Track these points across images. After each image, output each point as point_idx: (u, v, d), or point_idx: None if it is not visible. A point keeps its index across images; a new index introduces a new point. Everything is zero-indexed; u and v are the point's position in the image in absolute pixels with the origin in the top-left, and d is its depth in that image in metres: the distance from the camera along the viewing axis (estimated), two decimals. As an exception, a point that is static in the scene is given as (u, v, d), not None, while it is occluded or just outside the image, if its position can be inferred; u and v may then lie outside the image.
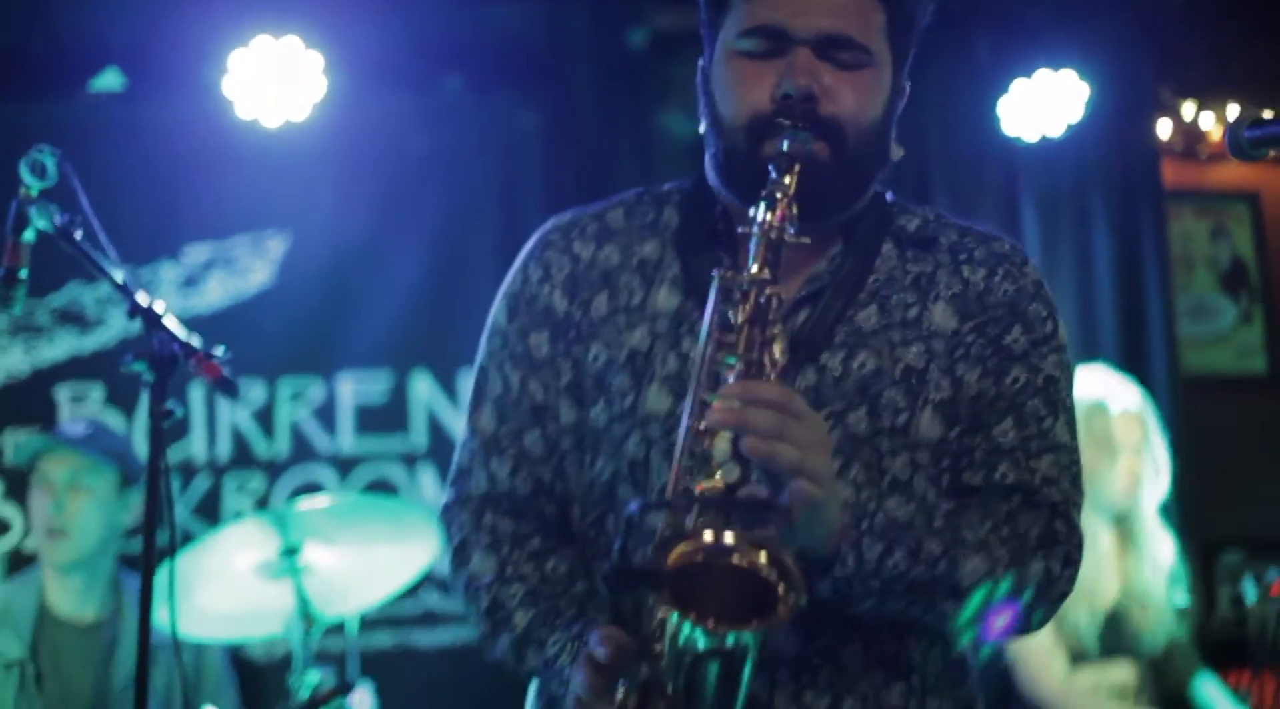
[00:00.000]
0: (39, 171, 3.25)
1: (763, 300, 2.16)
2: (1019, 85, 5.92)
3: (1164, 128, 6.77)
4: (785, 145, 2.22)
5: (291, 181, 5.64)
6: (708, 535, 2.03)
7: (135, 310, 3.10)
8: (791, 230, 2.18)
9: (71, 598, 4.67)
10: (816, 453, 2.09)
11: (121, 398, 5.49)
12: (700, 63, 2.44)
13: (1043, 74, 5.89)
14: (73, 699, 4.61)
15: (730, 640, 2.00)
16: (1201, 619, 5.32)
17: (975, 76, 6.05)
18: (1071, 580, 2.33)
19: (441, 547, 2.51)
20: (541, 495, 2.44)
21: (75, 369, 5.54)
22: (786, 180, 2.20)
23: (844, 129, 2.29)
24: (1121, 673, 4.98)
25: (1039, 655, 4.93)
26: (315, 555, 4.39)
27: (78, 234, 3.22)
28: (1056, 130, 6.01)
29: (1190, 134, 6.88)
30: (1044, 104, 5.96)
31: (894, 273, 2.40)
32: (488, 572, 2.40)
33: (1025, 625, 2.32)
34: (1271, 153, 2.36)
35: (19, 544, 5.39)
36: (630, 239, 2.47)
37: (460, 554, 2.45)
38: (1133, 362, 6.11)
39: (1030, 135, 6.03)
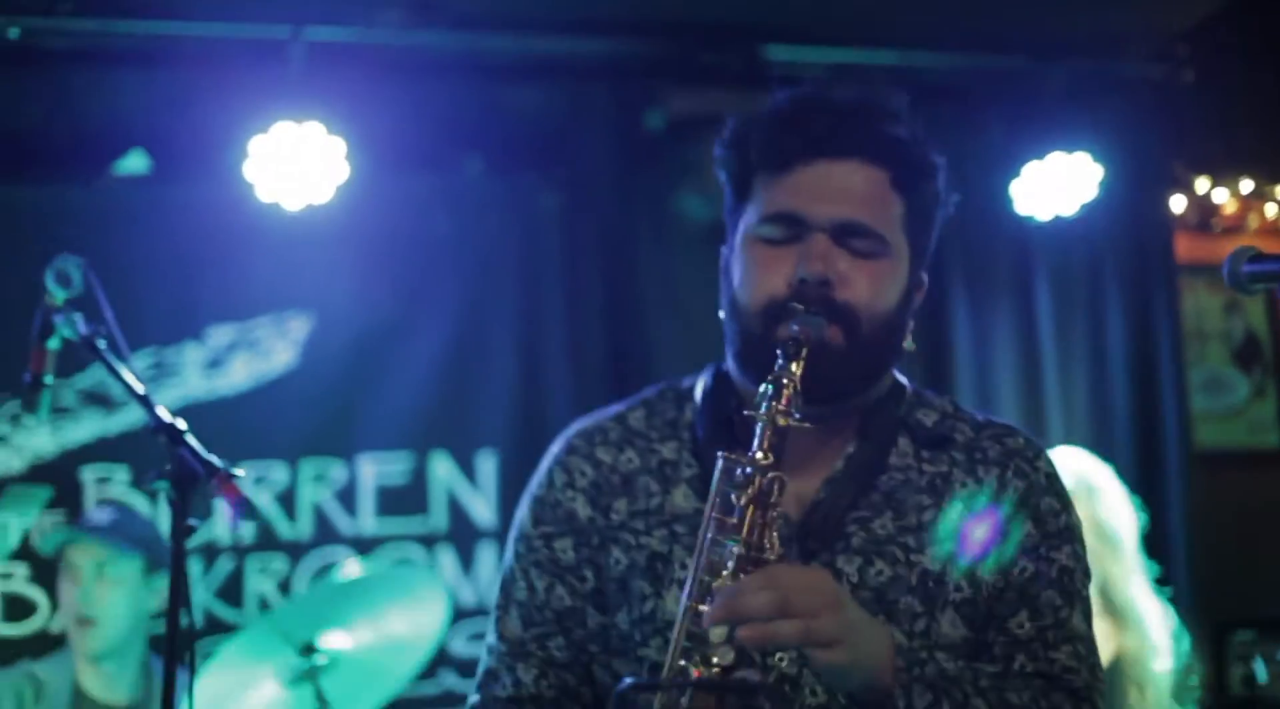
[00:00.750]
0: (64, 281, 3.34)
1: (765, 485, 2.16)
2: (1032, 167, 5.95)
3: (1177, 203, 6.82)
4: (795, 329, 2.25)
5: (314, 263, 5.70)
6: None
7: (159, 428, 3.17)
8: (796, 416, 2.19)
9: (103, 682, 4.71)
10: (824, 615, 2.08)
11: (149, 476, 5.51)
12: (723, 248, 2.48)
13: (1056, 156, 5.92)
14: None
15: None
16: (1213, 700, 5.32)
17: (989, 157, 6.07)
18: None
19: None
20: (567, 700, 2.45)
21: (101, 451, 5.60)
22: (793, 366, 2.21)
23: (858, 316, 2.32)
24: None
25: None
26: (332, 640, 4.44)
27: (101, 343, 3.29)
28: (1070, 209, 6.04)
29: (1204, 208, 6.93)
30: (1058, 184, 5.98)
31: (909, 474, 2.42)
32: None
33: None
34: (1262, 288, 2.40)
35: (45, 625, 5.44)
36: (650, 441, 2.50)
37: None
38: (1146, 437, 6.14)
39: (1044, 214, 6.05)
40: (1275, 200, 7.04)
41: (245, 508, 3.21)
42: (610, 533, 2.45)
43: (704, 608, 2.13)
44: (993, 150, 6.09)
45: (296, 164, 5.45)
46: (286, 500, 5.73)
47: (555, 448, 2.56)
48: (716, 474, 2.20)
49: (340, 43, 5.59)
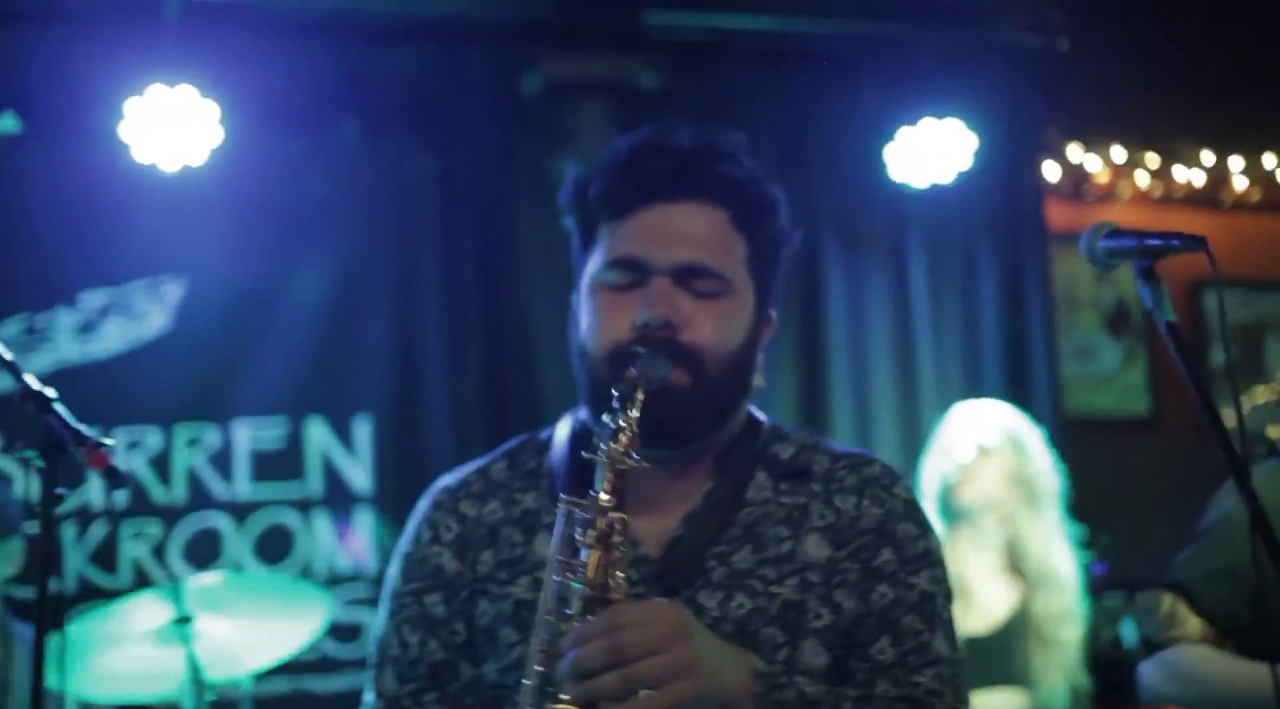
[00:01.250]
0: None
1: (607, 526, 2.18)
2: (905, 133, 5.99)
3: (1051, 171, 6.90)
4: (633, 372, 2.26)
5: (188, 227, 5.66)
6: None
7: (27, 396, 3.15)
8: (635, 457, 2.21)
9: None
10: (667, 650, 2.09)
11: (25, 437, 5.46)
12: (573, 295, 2.49)
13: (927, 123, 5.96)
14: None
15: None
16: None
17: (862, 124, 6.12)
18: None
19: None
20: None
21: (-30, 415, 5.54)
22: (630, 408, 2.23)
23: (703, 356, 2.34)
24: (1005, 700, 5.05)
25: None
26: (208, 625, 4.45)
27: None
28: (945, 177, 6.08)
29: (1076, 176, 7.03)
30: (931, 151, 6.02)
31: (768, 507, 2.44)
32: None
33: None
34: (1120, 262, 2.44)
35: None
36: (512, 491, 2.51)
37: None
38: (1018, 403, 6.16)
39: (919, 181, 6.09)
40: (1146, 168, 7.15)
41: (115, 477, 3.20)
42: (478, 585, 2.46)
43: (552, 650, 2.16)
44: (867, 116, 6.13)
45: (171, 127, 5.39)
46: (160, 465, 5.68)
47: (421, 505, 2.57)
48: (559, 519, 2.23)
49: (216, 2, 5.55)
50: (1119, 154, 7.08)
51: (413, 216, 5.91)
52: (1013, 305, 6.38)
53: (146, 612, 4.46)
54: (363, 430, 5.79)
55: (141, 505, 5.66)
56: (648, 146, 2.41)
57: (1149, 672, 3.69)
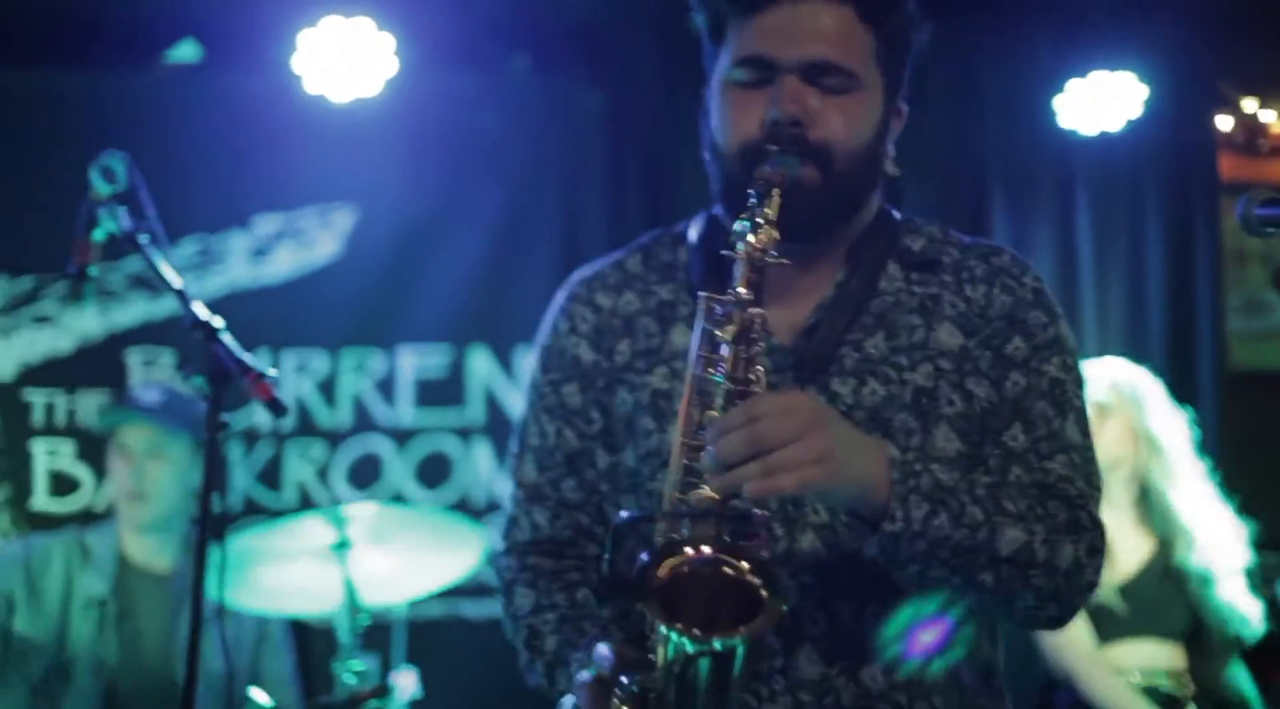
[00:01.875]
0: (109, 176, 3.44)
1: (746, 320, 2.21)
2: (1075, 84, 5.95)
3: (1224, 122, 6.80)
4: (767, 170, 2.28)
5: (360, 156, 5.76)
6: (695, 546, 2.11)
7: (195, 324, 3.26)
8: (774, 253, 2.24)
9: (148, 551, 4.92)
10: (805, 438, 2.12)
11: (193, 363, 5.60)
12: (704, 90, 2.51)
13: (1098, 75, 5.92)
14: (145, 641, 4.86)
15: (718, 645, 2.07)
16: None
17: (1034, 73, 6.09)
18: (1098, 571, 2.38)
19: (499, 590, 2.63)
20: (582, 538, 2.55)
21: (147, 334, 5.71)
22: (766, 205, 2.25)
23: (831, 153, 2.37)
24: (1162, 654, 5.05)
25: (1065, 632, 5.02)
26: (366, 553, 4.56)
27: (143, 238, 3.38)
28: (1115, 125, 6.04)
29: (1251, 128, 6.90)
30: (1102, 101, 5.98)
31: (900, 296, 2.48)
32: (526, 605, 2.53)
33: (1062, 612, 2.39)
34: (1275, 231, 2.42)
35: (90, 503, 5.56)
36: (648, 283, 2.56)
37: (507, 594, 2.57)
38: (1181, 356, 6.15)
39: (1088, 129, 6.05)
40: (1323, 122, 7.03)
41: (276, 407, 3.30)
42: (614, 374, 2.53)
43: (694, 443, 2.19)
44: (1038, 66, 6.10)
45: (345, 58, 5.50)
46: (326, 389, 5.81)
47: (559, 296, 2.63)
48: (699, 314, 2.27)
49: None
50: (1295, 108, 6.97)
51: (579, 151, 5.96)
52: (1180, 257, 6.29)
53: (308, 532, 4.59)
54: (525, 360, 5.84)
55: (307, 427, 5.79)
56: None
57: None
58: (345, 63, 5.52)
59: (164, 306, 5.58)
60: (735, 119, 2.39)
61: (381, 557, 4.60)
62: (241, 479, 5.69)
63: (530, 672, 2.51)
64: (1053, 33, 6.12)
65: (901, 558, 2.25)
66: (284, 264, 5.80)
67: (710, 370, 2.22)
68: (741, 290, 2.22)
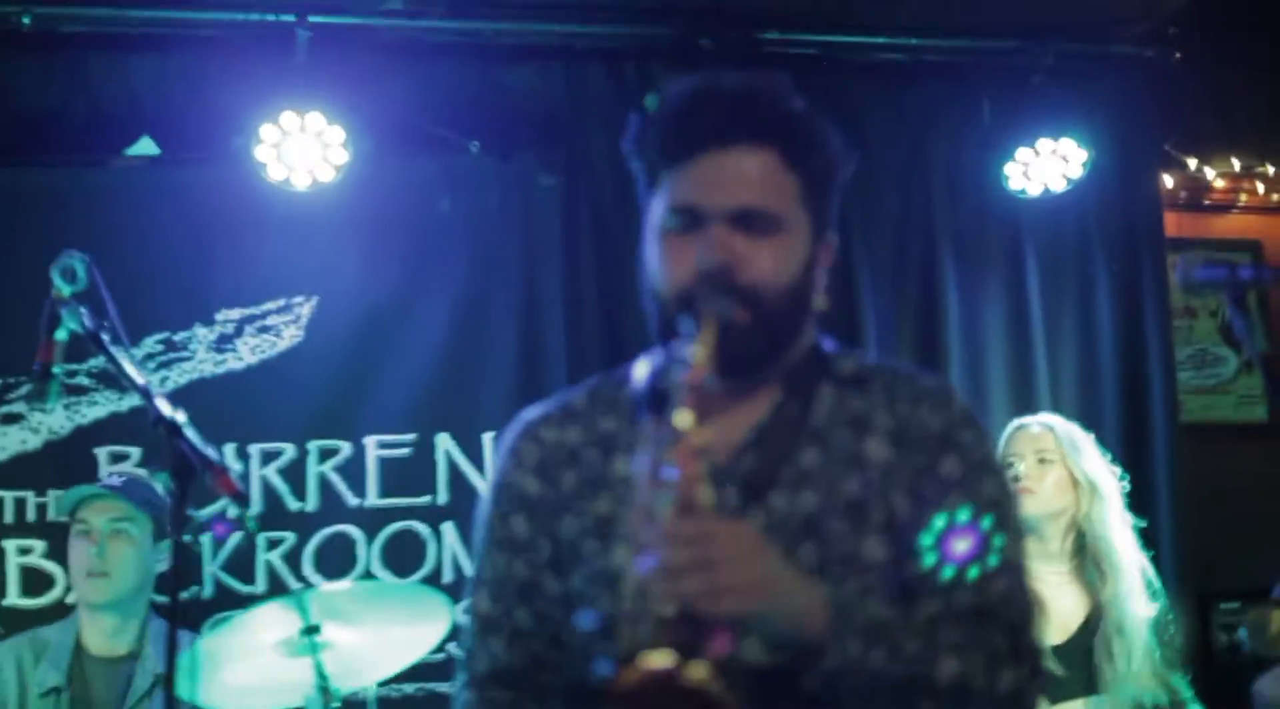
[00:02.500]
0: (70, 276, 3.52)
1: (690, 443, 2.27)
2: (1023, 152, 6.06)
3: (1169, 180, 6.91)
4: (700, 309, 2.39)
5: (319, 245, 5.83)
6: (658, 657, 2.14)
7: (158, 420, 3.32)
8: (711, 379, 2.34)
9: (104, 635, 4.98)
10: (753, 561, 2.24)
11: (159, 458, 5.66)
12: (644, 237, 2.61)
13: (1044, 143, 6.04)
14: None
15: None
16: (1198, 671, 5.43)
17: (980, 139, 6.21)
18: (1039, 694, 2.47)
19: None
20: (537, 666, 2.61)
21: (115, 430, 5.74)
22: (703, 333, 2.36)
23: (759, 294, 2.46)
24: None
25: None
26: (335, 634, 4.59)
27: (105, 336, 3.46)
28: (1060, 186, 6.15)
29: (1194, 186, 7.02)
30: (1048, 165, 6.10)
31: (833, 413, 2.57)
32: None
33: None
34: (1213, 293, 2.52)
35: (61, 597, 5.60)
36: (592, 418, 2.66)
37: None
38: (1134, 411, 6.22)
39: (1033, 189, 6.17)
40: (1264, 177, 7.14)
41: (240, 501, 3.37)
42: (561, 503, 2.61)
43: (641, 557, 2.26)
44: (984, 132, 6.21)
45: (302, 151, 5.59)
46: (294, 474, 5.85)
47: (506, 437, 2.72)
48: (646, 440, 2.34)
49: (343, 26, 5.72)
50: (1236, 165, 7.08)
51: (536, 233, 6.03)
52: (1129, 314, 6.39)
53: (275, 622, 4.62)
54: (490, 446, 5.90)
55: (277, 515, 5.82)
56: (700, 93, 2.53)
57: (1268, 685, 3.71)
58: (301, 155, 5.60)
59: (130, 402, 5.62)
60: (670, 266, 2.50)
61: (351, 635, 4.63)
62: (213, 568, 5.72)
63: None
64: (996, 99, 6.24)
65: (841, 693, 2.33)
66: (248, 355, 5.85)
67: (658, 491, 2.27)
68: (683, 413, 2.28)
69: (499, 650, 2.62)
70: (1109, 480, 5.22)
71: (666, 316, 2.50)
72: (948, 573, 2.45)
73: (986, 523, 2.48)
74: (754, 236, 2.48)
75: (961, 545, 2.46)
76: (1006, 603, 2.44)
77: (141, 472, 5.58)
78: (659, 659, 2.15)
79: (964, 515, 2.48)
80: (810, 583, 2.37)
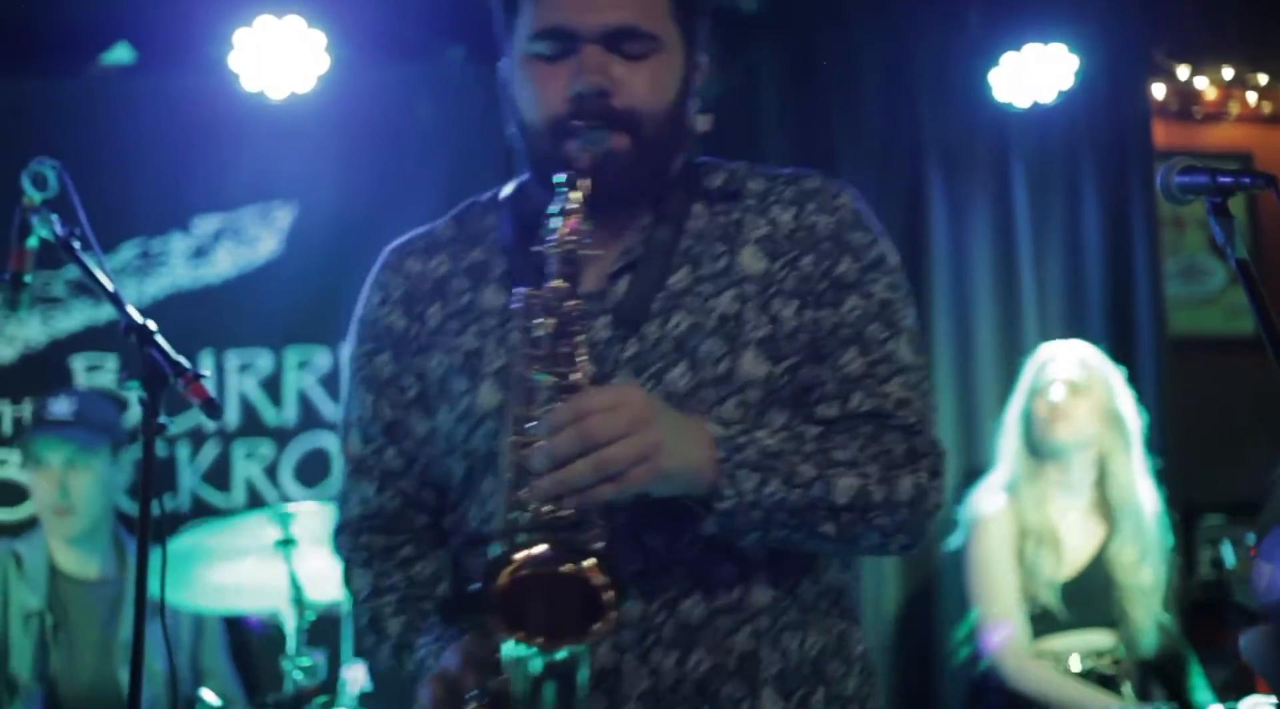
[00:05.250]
0: (40, 183, 3.45)
1: (565, 313, 2.22)
2: (1009, 58, 5.98)
3: (1158, 90, 6.84)
4: (577, 150, 2.29)
5: (298, 153, 5.76)
6: (533, 550, 2.09)
7: (129, 328, 3.27)
8: (587, 240, 2.25)
9: (77, 559, 4.99)
10: (633, 434, 2.13)
11: (136, 367, 5.60)
12: (501, 62, 2.52)
13: (1031, 48, 5.95)
14: (83, 650, 4.94)
15: (563, 654, 2.08)
16: (1181, 582, 5.42)
17: (967, 48, 6.13)
18: (940, 492, 2.39)
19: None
20: (410, 508, 2.54)
21: (91, 340, 5.69)
22: (575, 193, 2.26)
23: (640, 119, 2.37)
24: (1097, 639, 5.11)
25: (997, 604, 5.09)
26: (311, 551, 4.57)
27: (76, 244, 3.40)
28: (1048, 97, 6.08)
29: (1185, 95, 6.96)
30: (1035, 74, 6.02)
31: (704, 229, 2.46)
32: (364, 587, 2.53)
33: (911, 539, 2.38)
34: (1194, 198, 2.46)
35: (36, 511, 5.56)
36: (459, 247, 2.55)
37: (346, 573, 2.58)
38: (1120, 324, 6.19)
39: (1022, 101, 6.09)
40: (1256, 87, 7.07)
41: (211, 408, 3.33)
42: (428, 339, 2.51)
43: (523, 441, 2.18)
44: (970, 40, 6.14)
45: (279, 56, 5.51)
46: (272, 386, 5.81)
47: (372, 270, 2.61)
48: (517, 312, 2.26)
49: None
50: (1228, 73, 7.01)
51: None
52: (1117, 226, 6.34)
53: (254, 530, 4.60)
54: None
55: (253, 426, 5.79)
56: None
57: (1251, 640, 3.67)
58: (279, 60, 5.52)
59: (106, 312, 5.55)
60: (540, 94, 2.40)
61: (327, 555, 4.60)
62: (189, 479, 5.69)
63: (376, 655, 2.52)
64: (983, 6, 6.14)
65: (740, 530, 2.27)
66: (225, 264, 5.80)
67: (534, 367, 2.21)
68: (557, 283, 2.23)
69: (370, 493, 2.55)
70: (1135, 419, 5.23)
71: (538, 151, 2.42)
72: (842, 376, 2.40)
73: (881, 324, 2.43)
74: (629, 58, 2.37)
75: (855, 346, 2.41)
76: (901, 405, 2.39)
77: (104, 384, 5.54)
78: (537, 551, 2.09)
79: (858, 317, 2.42)
80: (697, 428, 2.26)
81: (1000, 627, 5.01)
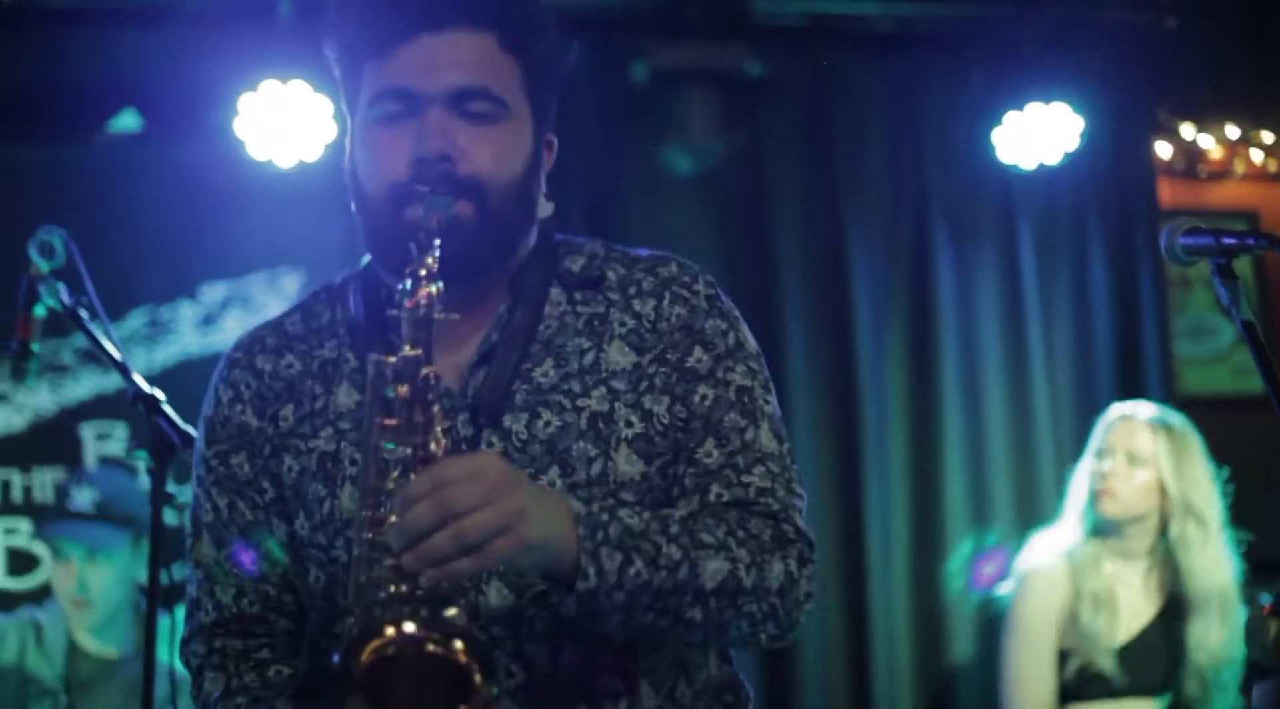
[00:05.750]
0: (47, 252, 3.47)
1: (419, 381, 2.10)
2: (1012, 117, 5.98)
3: (1163, 149, 6.84)
4: (423, 214, 2.19)
5: (305, 220, 5.75)
6: (395, 628, 2.01)
7: (137, 397, 3.28)
8: (440, 307, 2.14)
9: (98, 641, 4.87)
10: (492, 504, 2.00)
11: (145, 436, 5.60)
12: (345, 140, 2.42)
13: (1034, 107, 5.94)
14: None
15: None
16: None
17: (971, 106, 6.13)
18: (810, 581, 2.30)
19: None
20: (271, 612, 2.41)
21: (100, 408, 5.69)
22: (429, 258, 2.16)
23: (485, 187, 2.27)
24: (1135, 705, 4.99)
25: (1023, 685, 5.02)
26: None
27: (83, 313, 3.40)
28: (1053, 157, 6.06)
29: (1190, 153, 6.95)
30: (1038, 134, 6.00)
31: (565, 319, 2.37)
32: (216, 690, 2.37)
33: (780, 630, 2.29)
34: (1199, 260, 2.45)
35: (48, 579, 5.52)
36: (309, 343, 2.43)
37: (195, 682, 2.42)
38: (1130, 384, 6.16)
39: (1027, 163, 6.08)
40: (1261, 145, 7.07)
41: None
42: (280, 441, 2.38)
43: (377, 516, 2.09)
44: (974, 100, 6.14)
45: (285, 122, 5.52)
46: (280, 454, 5.76)
47: (219, 367, 2.48)
48: (369, 379, 2.14)
49: None
50: (1233, 132, 7.01)
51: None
52: (1125, 285, 6.33)
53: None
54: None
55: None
56: None
57: (1263, 694, 3.64)
58: (286, 127, 5.53)
59: (115, 380, 5.52)
60: (380, 160, 2.30)
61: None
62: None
63: None
64: (985, 66, 6.16)
65: (602, 612, 2.15)
66: (234, 331, 5.77)
67: (386, 438, 2.10)
68: (409, 350, 2.11)
69: (226, 600, 2.40)
70: (1206, 497, 5.08)
71: (378, 221, 2.31)
72: (700, 469, 2.31)
73: (738, 412, 2.34)
74: (475, 124, 2.27)
75: (711, 438, 2.32)
76: (763, 493, 2.30)
77: (113, 453, 5.52)
78: (397, 631, 2.01)
79: (710, 406, 2.33)
80: (559, 503, 2.14)
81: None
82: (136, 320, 5.68)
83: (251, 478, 2.40)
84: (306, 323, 2.46)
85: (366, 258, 2.47)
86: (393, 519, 2.02)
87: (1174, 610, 5.03)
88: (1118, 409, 5.21)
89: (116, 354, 3.45)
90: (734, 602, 2.21)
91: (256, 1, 5.59)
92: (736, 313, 2.44)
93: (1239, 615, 4.98)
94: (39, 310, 3.54)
